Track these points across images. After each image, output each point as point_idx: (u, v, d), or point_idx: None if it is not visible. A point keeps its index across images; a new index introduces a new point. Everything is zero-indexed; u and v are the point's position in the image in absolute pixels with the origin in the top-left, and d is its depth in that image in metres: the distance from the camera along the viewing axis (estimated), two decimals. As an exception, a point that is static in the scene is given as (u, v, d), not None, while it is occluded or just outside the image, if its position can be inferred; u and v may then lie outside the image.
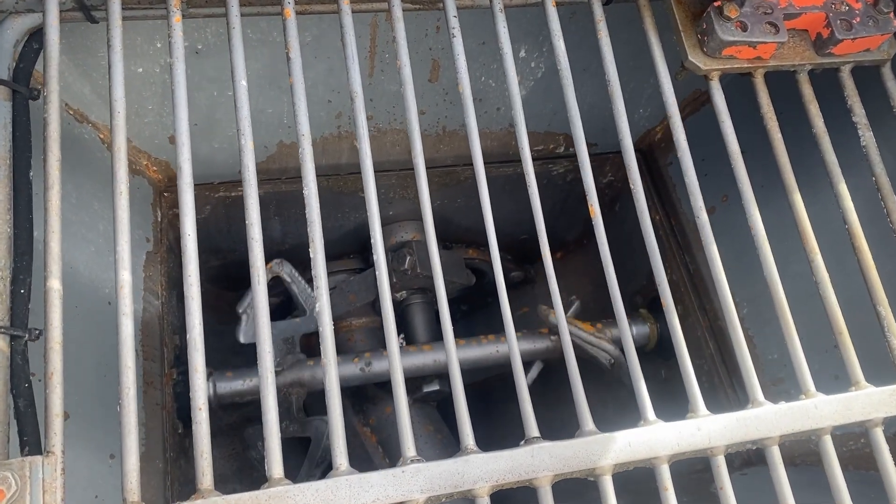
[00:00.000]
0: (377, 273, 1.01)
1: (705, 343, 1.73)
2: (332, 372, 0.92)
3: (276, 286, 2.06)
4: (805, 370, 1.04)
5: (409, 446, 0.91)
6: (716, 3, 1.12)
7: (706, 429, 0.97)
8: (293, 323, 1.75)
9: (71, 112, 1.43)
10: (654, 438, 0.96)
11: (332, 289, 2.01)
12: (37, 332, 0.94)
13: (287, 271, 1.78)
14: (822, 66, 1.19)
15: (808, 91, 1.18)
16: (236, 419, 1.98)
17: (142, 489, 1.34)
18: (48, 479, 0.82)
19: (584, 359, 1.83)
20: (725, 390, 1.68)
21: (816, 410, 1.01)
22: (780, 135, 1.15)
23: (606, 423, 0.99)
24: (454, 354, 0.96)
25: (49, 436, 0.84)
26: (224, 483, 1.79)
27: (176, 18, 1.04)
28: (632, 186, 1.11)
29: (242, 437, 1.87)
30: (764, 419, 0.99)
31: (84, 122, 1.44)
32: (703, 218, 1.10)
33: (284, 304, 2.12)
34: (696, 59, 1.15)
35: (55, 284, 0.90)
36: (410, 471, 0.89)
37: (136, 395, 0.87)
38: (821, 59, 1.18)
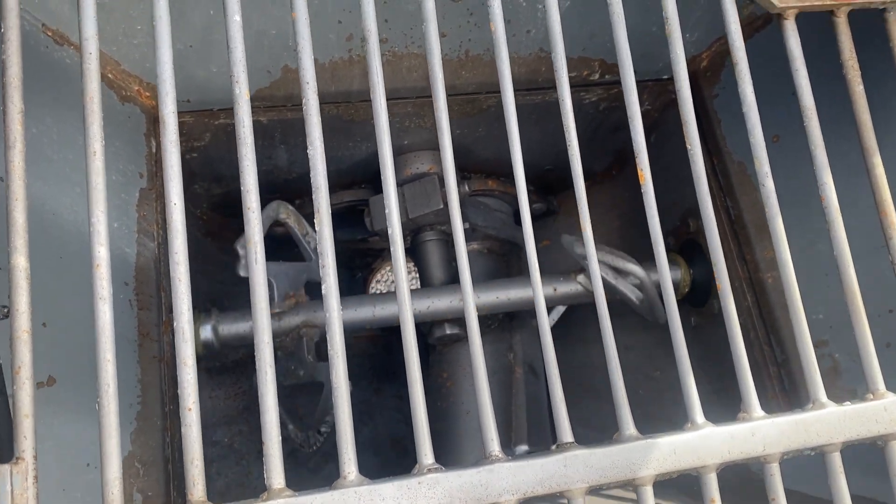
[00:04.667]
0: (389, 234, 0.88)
1: (742, 295, 1.60)
2: (339, 366, 0.81)
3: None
4: (875, 367, 0.92)
5: (425, 452, 0.81)
6: (800, -74, 0.94)
7: (761, 434, 0.86)
8: (297, 267, 1.63)
9: (49, 33, 1.27)
10: (702, 445, 0.85)
11: (343, 220, 1.89)
12: (5, 309, 0.82)
13: (285, 212, 1.64)
14: (919, 2, 1.01)
15: (898, 33, 1.01)
16: (242, 355, 1.90)
17: (140, 449, 1.27)
18: (17, 490, 0.73)
19: (613, 302, 1.72)
20: (762, 346, 1.57)
21: (886, 413, 0.89)
22: (861, 87, 0.99)
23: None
24: (480, 362, 0.85)
25: (19, 440, 0.74)
26: (230, 424, 1.72)
27: (156, -63, 0.87)
28: (689, 147, 0.96)
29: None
30: (827, 423, 0.88)
31: (65, 45, 1.29)
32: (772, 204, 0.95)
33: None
34: (771, -6, 0.97)
35: (21, 262, 0.77)
36: (427, 482, 0.79)
37: (116, 394, 0.76)
38: (920, -6, 1.00)
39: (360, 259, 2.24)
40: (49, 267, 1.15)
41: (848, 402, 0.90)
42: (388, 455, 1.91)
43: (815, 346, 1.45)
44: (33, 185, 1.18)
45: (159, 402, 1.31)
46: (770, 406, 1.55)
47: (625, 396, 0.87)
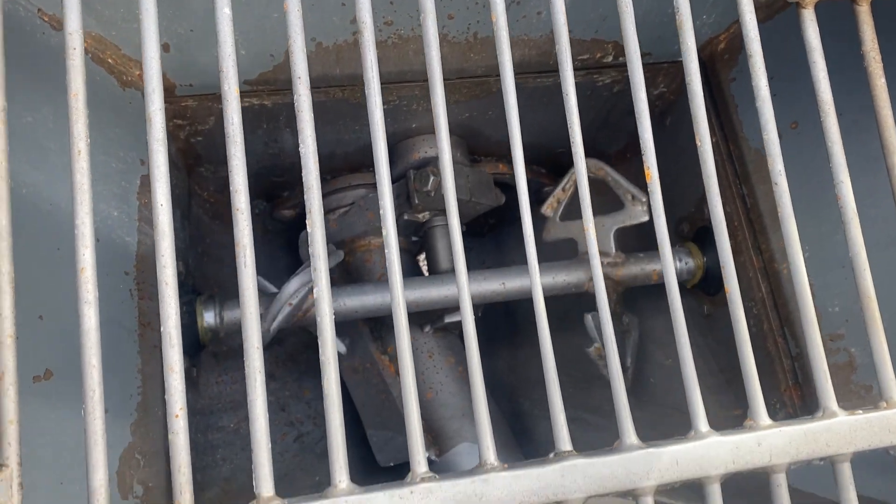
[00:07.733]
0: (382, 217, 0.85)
1: (756, 285, 1.56)
2: (331, 372, 0.79)
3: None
4: (889, 374, 0.88)
5: (419, 460, 0.79)
6: None
7: (768, 443, 0.83)
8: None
9: (45, 18, 1.24)
10: (706, 454, 0.82)
11: (349, 205, 1.86)
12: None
13: None
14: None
15: (923, 22, 0.96)
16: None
17: (140, 440, 1.27)
18: (2, 498, 0.71)
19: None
20: (775, 338, 1.53)
21: (899, 423, 0.86)
22: (883, 80, 0.94)
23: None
24: (475, 352, 0.82)
25: (3, 446, 0.73)
26: (236, 409, 1.72)
27: (143, -75, 0.84)
28: (697, 134, 0.92)
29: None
30: (837, 433, 0.85)
31: (62, 30, 1.26)
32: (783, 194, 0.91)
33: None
34: (789, -19, 0.93)
35: (5, 266, 0.75)
36: (420, 491, 0.77)
37: (101, 400, 0.75)
38: (946, -19, 0.95)
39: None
40: (46, 258, 1.14)
41: (860, 411, 0.87)
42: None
43: (831, 339, 1.43)
44: (29, 175, 1.16)
45: (160, 391, 1.30)
46: (783, 399, 1.53)
47: (626, 401, 0.84)
